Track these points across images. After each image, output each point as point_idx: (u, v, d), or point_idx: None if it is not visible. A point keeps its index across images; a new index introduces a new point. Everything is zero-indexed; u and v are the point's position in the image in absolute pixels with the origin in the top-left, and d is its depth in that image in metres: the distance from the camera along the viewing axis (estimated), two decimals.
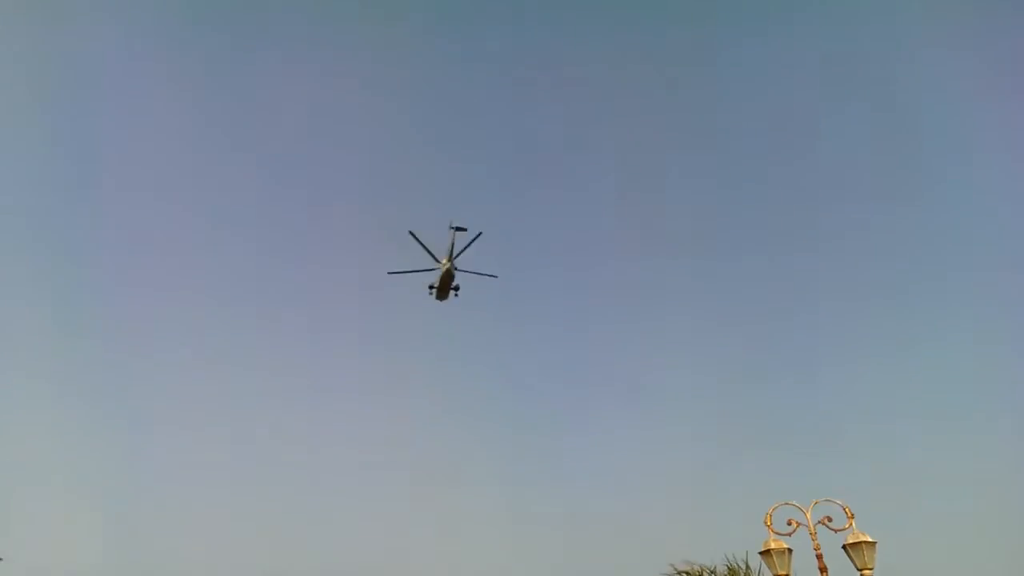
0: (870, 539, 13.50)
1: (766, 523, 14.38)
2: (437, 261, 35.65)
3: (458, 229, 35.31)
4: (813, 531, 14.00)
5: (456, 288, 36.69)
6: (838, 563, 13.67)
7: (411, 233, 35.04)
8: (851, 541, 13.50)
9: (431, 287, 36.86)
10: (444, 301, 37.54)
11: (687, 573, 19.84)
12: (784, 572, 14.05)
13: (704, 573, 19.74)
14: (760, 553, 14.40)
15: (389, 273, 37.02)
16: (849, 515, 13.88)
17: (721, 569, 19.48)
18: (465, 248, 35.42)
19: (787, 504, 14.62)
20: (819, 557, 13.71)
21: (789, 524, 14.25)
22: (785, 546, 14.12)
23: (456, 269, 35.60)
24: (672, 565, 19.99)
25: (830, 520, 14.09)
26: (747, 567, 18.97)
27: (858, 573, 13.32)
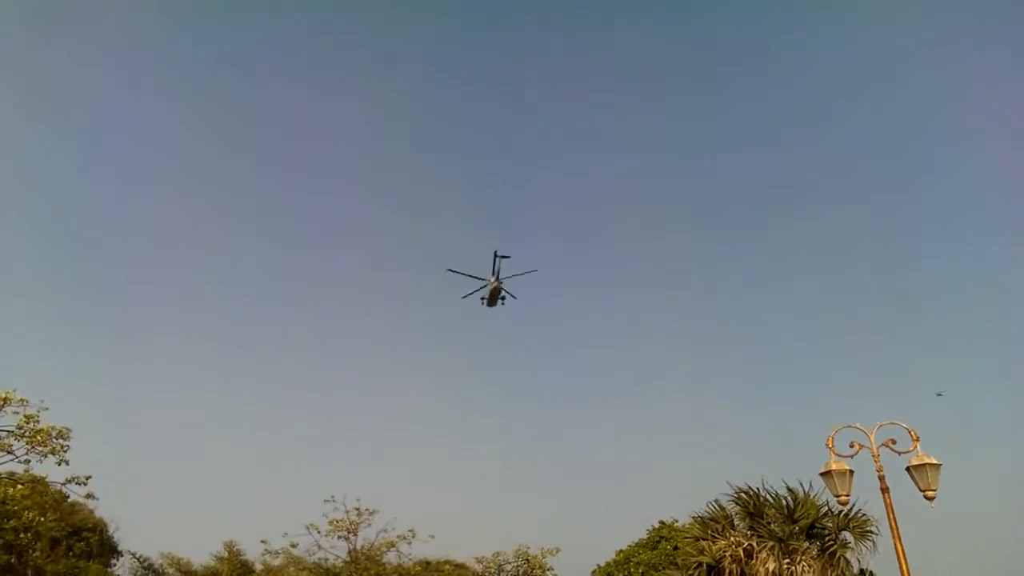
0: (935, 461, 13.34)
1: (828, 445, 14.32)
2: (486, 280, 44.26)
3: (503, 257, 43.71)
4: (876, 453, 13.87)
5: (503, 298, 45.15)
6: (902, 488, 13.56)
7: (450, 270, 44.25)
8: (915, 463, 13.34)
9: (482, 298, 45.35)
10: (493, 307, 46.12)
11: (746, 492, 20.17)
12: (844, 492, 14.09)
13: (762, 492, 20.03)
14: (821, 474, 14.40)
15: (448, 270, 45.37)
16: (914, 437, 13.67)
17: (780, 490, 19.71)
18: (515, 275, 44.03)
19: (850, 427, 14.48)
20: (881, 478, 13.62)
21: (851, 446, 14.12)
22: (846, 467, 14.07)
23: (503, 286, 44.29)
24: (730, 483, 20.36)
25: (894, 443, 13.89)
26: (809, 487, 19.13)
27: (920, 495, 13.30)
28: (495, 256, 43.62)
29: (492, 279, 44.19)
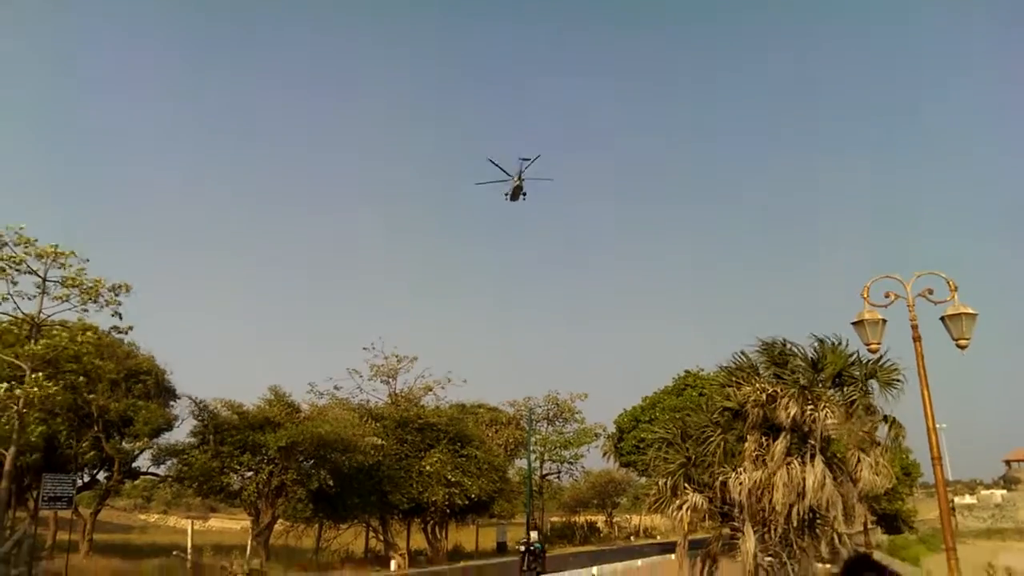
0: (971, 311, 13.19)
1: (863, 295, 14.15)
2: (510, 177, 51.04)
3: (524, 160, 50.77)
4: (911, 302, 13.71)
5: (525, 194, 52.48)
6: (934, 343, 13.51)
7: (490, 160, 51.04)
8: (951, 312, 13.20)
9: (505, 194, 52.64)
10: (515, 202, 53.27)
11: (771, 343, 20.41)
12: (876, 341, 14.12)
13: (788, 343, 20.24)
14: (853, 324, 14.34)
15: (476, 184, 52.93)
16: (952, 287, 13.46)
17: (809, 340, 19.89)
18: (529, 164, 50.60)
19: (887, 277, 14.19)
20: (914, 327, 13.56)
21: (887, 296, 13.93)
22: (879, 317, 13.97)
23: (523, 182, 51.34)
24: (759, 338, 20.58)
25: (931, 292, 13.67)
26: (837, 338, 19.24)
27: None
28: (520, 160, 51.24)
29: (516, 179, 52.05)
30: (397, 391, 43.20)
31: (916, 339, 13.68)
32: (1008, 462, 79.12)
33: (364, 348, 43.24)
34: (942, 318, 13.34)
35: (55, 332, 22.05)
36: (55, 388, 21.28)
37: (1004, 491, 72.97)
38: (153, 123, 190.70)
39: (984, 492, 75.02)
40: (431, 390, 43.54)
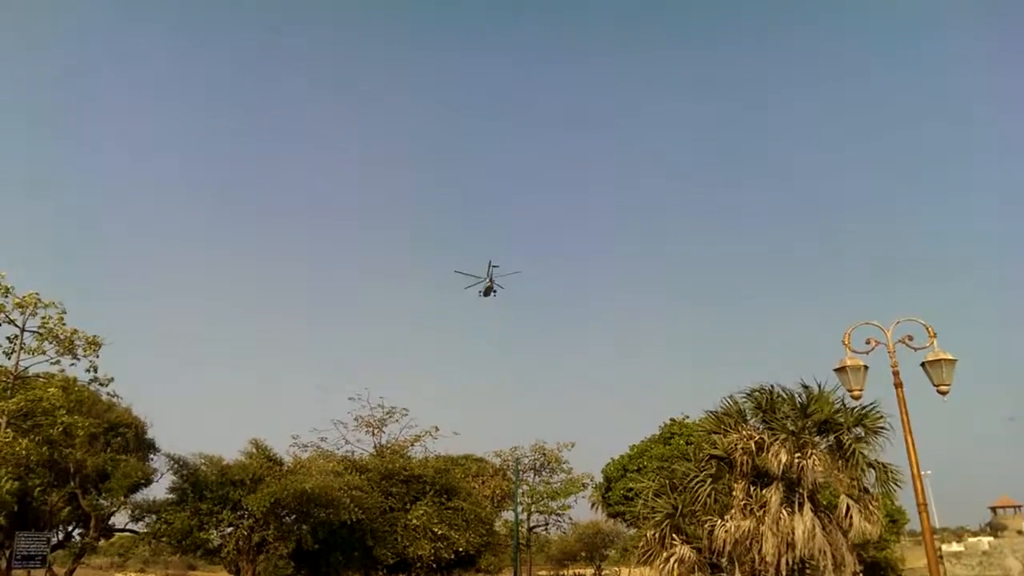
0: (951, 357, 13.39)
1: (844, 342, 14.34)
2: (482, 279, 57.18)
3: (494, 266, 57.24)
4: (892, 349, 13.92)
5: (495, 292, 58.31)
6: (916, 388, 13.67)
7: (456, 271, 57.28)
8: (931, 359, 13.40)
9: (479, 292, 58.27)
10: (486, 298, 58.93)
11: (759, 389, 20.47)
12: (858, 387, 14.24)
13: (776, 389, 20.30)
14: (835, 370, 14.49)
15: (455, 272, 58.53)
16: (931, 334, 13.68)
17: (794, 387, 19.97)
18: (505, 275, 57.61)
19: (867, 324, 14.42)
20: (896, 373, 13.75)
21: (868, 343, 14.10)
22: (861, 363, 14.15)
23: (493, 283, 57.43)
24: (750, 388, 20.63)
25: (911, 339, 13.90)
26: (820, 386, 19.34)
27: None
28: (489, 264, 57.87)
29: (487, 279, 58.08)
30: (383, 442, 42.58)
31: (898, 385, 13.83)
32: (994, 508, 78.73)
33: (350, 398, 42.77)
34: (922, 364, 13.52)
35: (38, 384, 21.68)
36: (29, 445, 20.72)
37: (991, 538, 72.46)
38: (149, 176, 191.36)
39: (971, 539, 74.44)
40: (419, 440, 42.96)
